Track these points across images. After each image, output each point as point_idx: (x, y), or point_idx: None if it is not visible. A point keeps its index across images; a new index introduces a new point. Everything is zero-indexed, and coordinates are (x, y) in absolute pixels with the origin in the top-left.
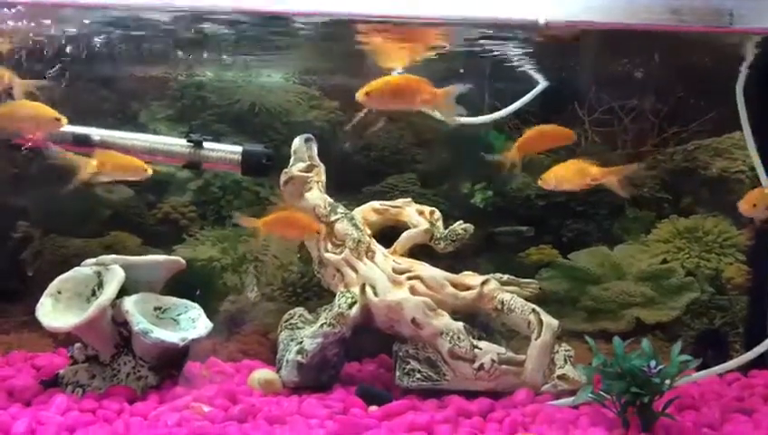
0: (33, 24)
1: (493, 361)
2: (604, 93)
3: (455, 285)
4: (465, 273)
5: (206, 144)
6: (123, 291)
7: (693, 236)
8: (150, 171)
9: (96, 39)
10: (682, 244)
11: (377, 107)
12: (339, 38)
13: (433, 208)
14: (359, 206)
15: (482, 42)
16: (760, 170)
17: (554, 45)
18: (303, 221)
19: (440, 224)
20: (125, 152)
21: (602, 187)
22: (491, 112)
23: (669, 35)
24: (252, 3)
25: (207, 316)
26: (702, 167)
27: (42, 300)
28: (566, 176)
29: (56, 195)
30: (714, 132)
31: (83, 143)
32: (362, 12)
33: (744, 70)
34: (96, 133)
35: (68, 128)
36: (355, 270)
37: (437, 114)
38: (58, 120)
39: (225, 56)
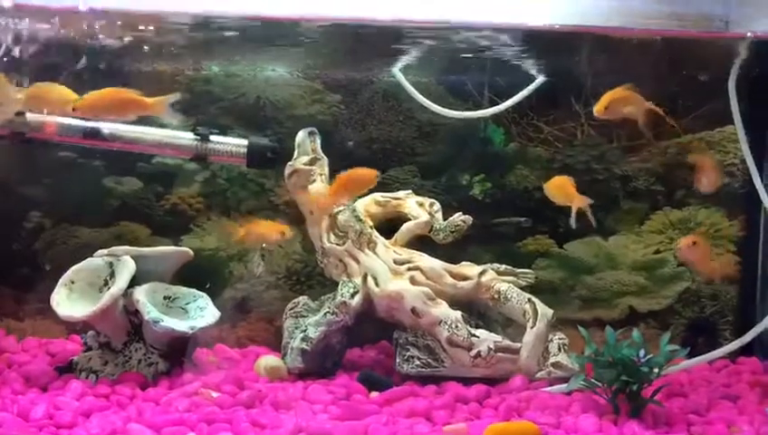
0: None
1: (489, 348)
2: (600, 88)
3: (453, 276)
4: (464, 263)
5: (212, 137)
6: (134, 281)
7: (685, 228)
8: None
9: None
10: (675, 235)
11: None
12: None
13: (433, 200)
14: (361, 198)
15: None
16: (750, 162)
17: None
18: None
19: (439, 215)
20: (133, 145)
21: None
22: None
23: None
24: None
25: (214, 304)
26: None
27: (56, 290)
28: (552, 190)
29: (68, 186)
30: (706, 126)
31: (93, 137)
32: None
33: (735, 68)
34: (106, 127)
35: (78, 122)
36: (357, 261)
37: (442, 109)
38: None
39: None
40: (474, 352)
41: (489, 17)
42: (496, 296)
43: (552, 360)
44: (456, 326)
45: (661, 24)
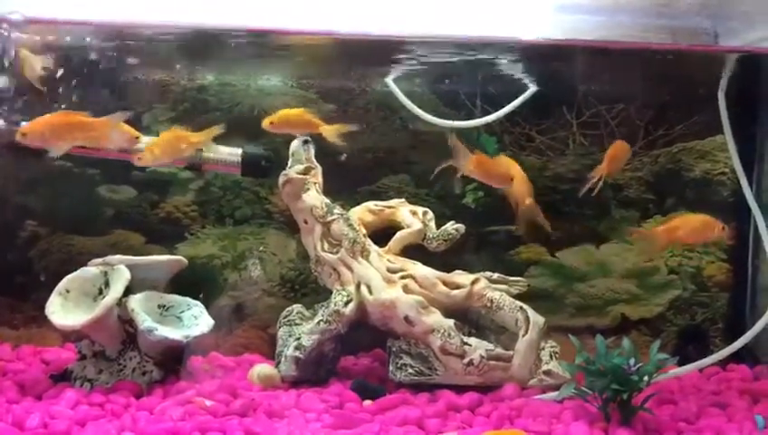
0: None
1: (482, 356)
2: (592, 98)
3: (446, 284)
4: (457, 272)
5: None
6: (129, 290)
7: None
8: None
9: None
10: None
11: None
12: None
13: (426, 209)
14: (354, 206)
15: None
16: (739, 171)
17: None
18: None
19: (432, 224)
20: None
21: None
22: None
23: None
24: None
25: (209, 312)
26: (686, 168)
27: (51, 298)
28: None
29: (63, 195)
30: (697, 135)
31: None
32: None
33: (725, 77)
34: None
35: None
36: (350, 269)
37: (434, 119)
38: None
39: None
40: (466, 361)
41: (481, 31)
42: (489, 305)
43: (543, 368)
44: (449, 335)
45: (650, 38)
